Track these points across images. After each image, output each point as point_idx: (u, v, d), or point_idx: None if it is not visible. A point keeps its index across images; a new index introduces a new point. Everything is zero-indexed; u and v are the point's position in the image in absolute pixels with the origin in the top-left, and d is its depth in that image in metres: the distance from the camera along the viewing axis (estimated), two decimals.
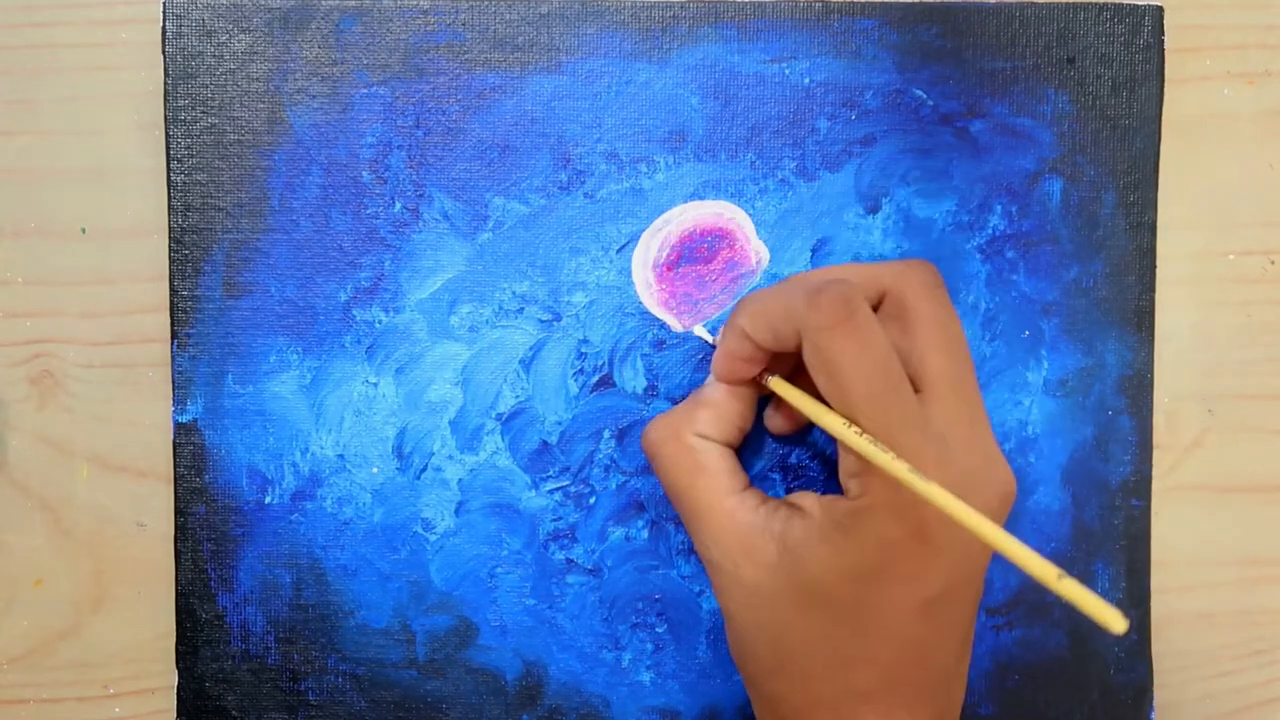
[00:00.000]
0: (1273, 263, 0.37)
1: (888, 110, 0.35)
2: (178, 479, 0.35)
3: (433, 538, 0.35)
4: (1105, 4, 0.36)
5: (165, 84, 0.35)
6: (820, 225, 0.36)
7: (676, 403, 0.35)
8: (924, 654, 0.30)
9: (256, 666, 0.35)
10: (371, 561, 0.35)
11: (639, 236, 0.35)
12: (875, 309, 0.31)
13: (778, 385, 0.31)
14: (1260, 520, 0.37)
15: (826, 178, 0.35)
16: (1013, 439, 0.36)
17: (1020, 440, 0.36)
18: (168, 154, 0.35)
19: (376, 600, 0.35)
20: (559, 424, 0.35)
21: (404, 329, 0.35)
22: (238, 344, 0.35)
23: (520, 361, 0.35)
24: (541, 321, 0.35)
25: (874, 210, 0.36)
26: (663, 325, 0.35)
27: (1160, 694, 0.37)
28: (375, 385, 0.35)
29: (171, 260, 0.35)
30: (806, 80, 0.35)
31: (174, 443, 0.35)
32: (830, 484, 0.35)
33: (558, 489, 0.35)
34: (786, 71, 0.35)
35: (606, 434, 0.35)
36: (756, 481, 0.35)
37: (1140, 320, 0.36)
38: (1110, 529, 0.36)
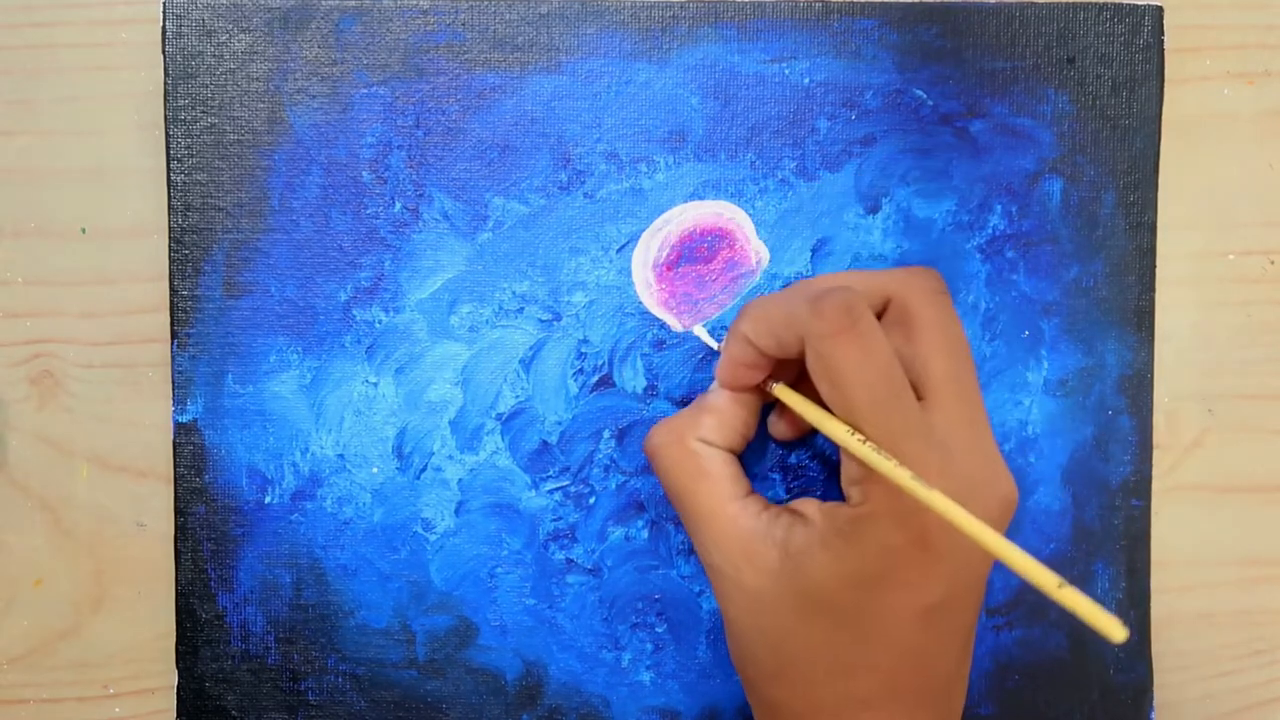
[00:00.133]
0: (1273, 263, 0.37)
1: (888, 110, 0.35)
2: (178, 479, 0.35)
3: (433, 538, 0.35)
4: (1105, 4, 0.36)
5: (165, 84, 0.35)
6: (820, 225, 0.36)
7: (676, 403, 0.35)
8: (925, 661, 0.30)
9: (256, 666, 0.35)
10: (371, 561, 0.35)
11: (639, 236, 0.35)
12: (879, 316, 0.31)
13: (782, 392, 0.31)
14: (1260, 520, 0.37)
15: (826, 178, 0.35)
16: (1013, 439, 0.36)
17: (1020, 440, 0.36)
18: (168, 154, 0.35)
19: (376, 600, 0.35)
20: (559, 424, 0.35)
21: (404, 329, 0.35)
22: (238, 344, 0.35)
23: (520, 361, 0.35)
24: (541, 321, 0.35)
25: (874, 210, 0.36)
26: (663, 325, 0.35)
27: (1160, 694, 0.37)
28: (375, 385, 0.35)
29: (171, 260, 0.35)
30: (806, 80, 0.35)
31: (174, 443, 0.35)
32: (830, 484, 0.35)
33: (558, 489, 0.35)
34: (786, 71, 0.35)
35: (606, 434, 0.35)
36: (756, 481, 0.35)
37: (1140, 320, 0.36)
38: (1110, 529, 0.36)
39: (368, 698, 0.35)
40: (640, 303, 0.35)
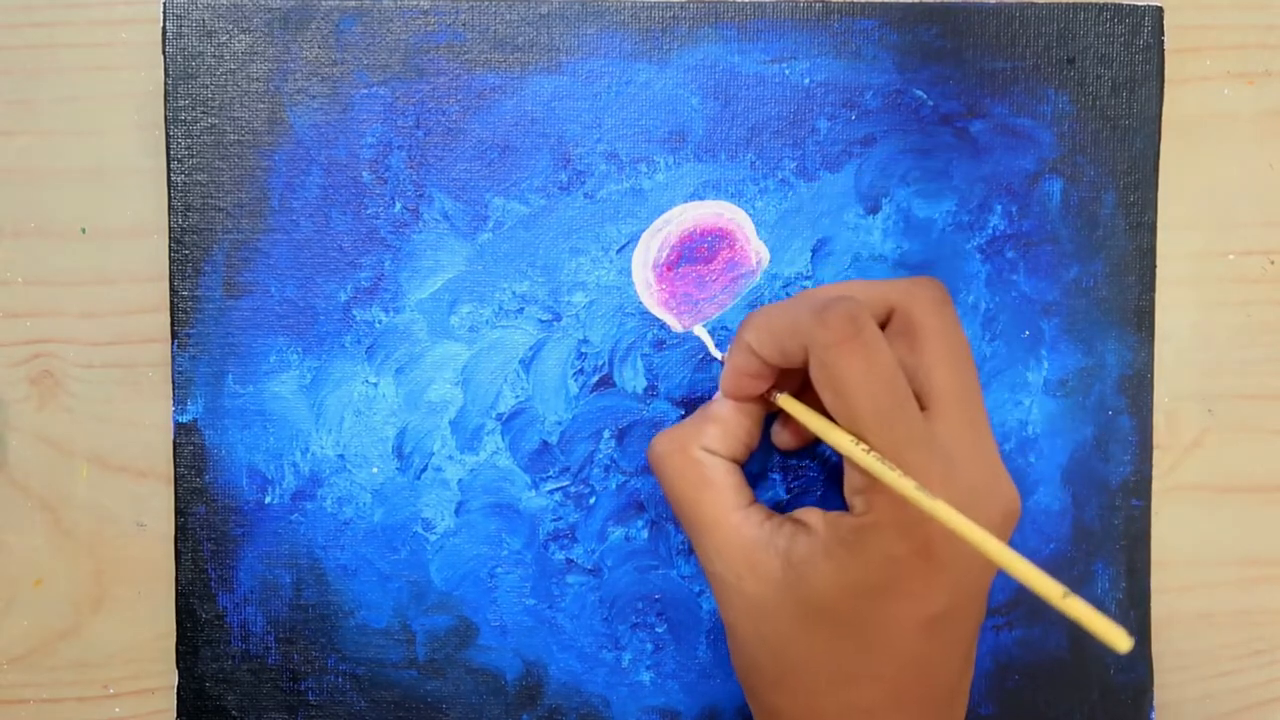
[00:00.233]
0: (1273, 263, 0.37)
1: (888, 110, 0.35)
2: (178, 479, 0.35)
3: (433, 538, 0.35)
4: (1105, 4, 0.36)
5: (165, 84, 0.35)
6: (820, 225, 0.36)
7: (676, 403, 0.35)
8: (927, 670, 0.30)
9: (256, 666, 0.35)
10: (371, 561, 0.35)
11: (639, 236, 0.35)
12: (883, 326, 0.31)
13: (786, 402, 0.31)
14: (1260, 520, 0.37)
15: (826, 178, 0.35)
16: (1013, 439, 0.36)
17: (1020, 440, 0.36)
18: (168, 154, 0.35)
19: (376, 600, 0.35)
20: (559, 424, 0.35)
21: (404, 329, 0.35)
22: (238, 344, 0.35)
23: (520, 361, 0.35)
24: (541, 321, 0.35)
25: (874, 210, 0.36)
26: (663, 325, 0.35)
27: (1160, 694, 0.37)
28: (375, 385, 0.35)
29: (171, 260, 0.35)
30: (806, 80, 0.35)
31: (174, 443, 0.35)
32: (829, 485, 0.35)
33: (558, 489, 0.35)
34: (786, 71, 0.35)
35: (606, 434, 0.35)
36: (756, 482, 0.35)
37: (1140, 320, 0.36)
38: (1110, 529, 0.36)
39: (368, 698, 0.35)
40: (640, 303, 0.35)
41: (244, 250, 0.35)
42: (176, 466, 0.35)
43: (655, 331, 0.35)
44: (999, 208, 0.36)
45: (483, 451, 0.35)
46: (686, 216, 0.35)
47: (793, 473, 0.35)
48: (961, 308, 0.36)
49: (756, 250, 0.35)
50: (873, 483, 0.28)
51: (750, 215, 0.35)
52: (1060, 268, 0.36)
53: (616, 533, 0.35)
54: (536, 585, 0.35)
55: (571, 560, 0.35)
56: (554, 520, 0.35)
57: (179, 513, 0.35)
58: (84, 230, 0.36)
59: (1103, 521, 0.36)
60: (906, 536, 0.28)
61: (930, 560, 0.28)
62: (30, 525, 0.36)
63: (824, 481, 0.35)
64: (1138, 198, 0.36)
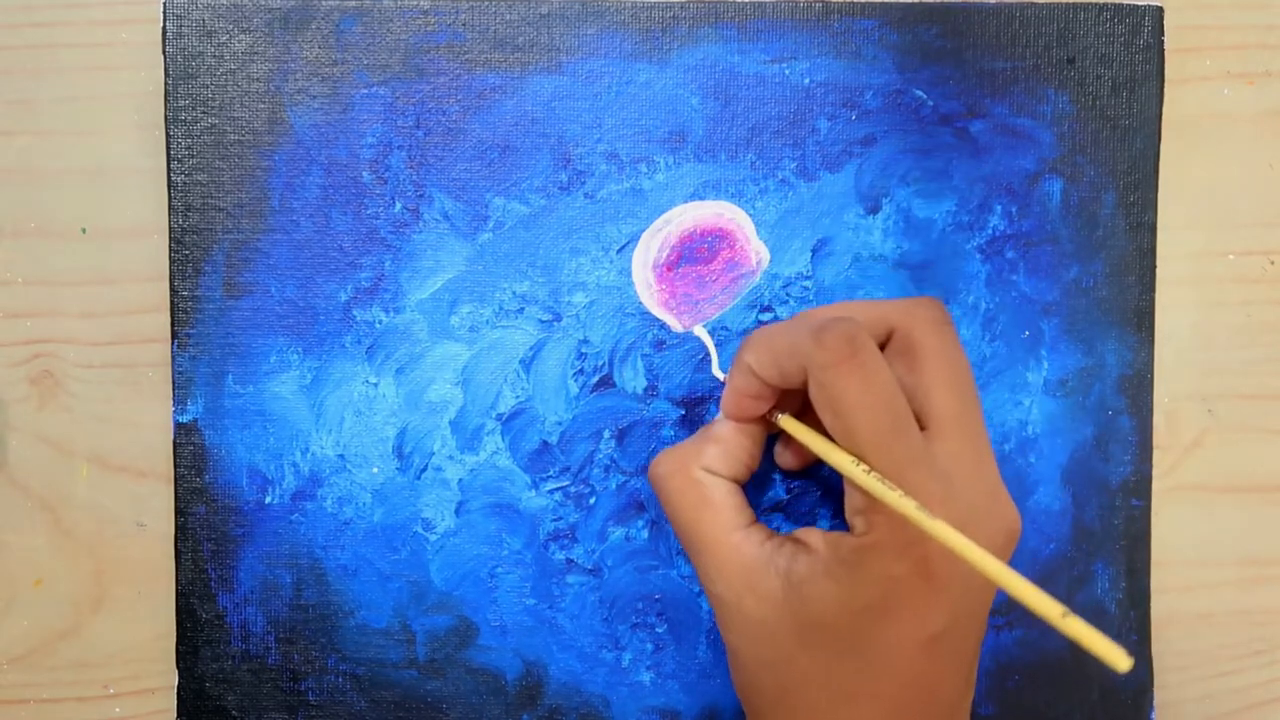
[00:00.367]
0: (1273, 263, 0.37)
1: (888, 110, 0.35)
2: (178, 479, 0.35)
3: (433, 538, 0.35)
4: (1105, 4, 0.36)
5: (165, 84, 0.35)
6: (820, 225, 0.36)
7: (676, 403, 0.35)
8: (928, 690, 0.30)
9: (256, 666, 0.35)
10: (371, 561, 0.35)
11: (639, 236, 0.35)
12: (883, 346, 0.31)
13: (787, 423, 0.32)
14: (1260, 520, 0.37)
15: (827, 178, 0.35)
16: (1013, 439, 0.36)
17: (1020, 440, 0.36)
18: (168, 154, 0.35)
19: (376, 600, 0.35)
20: (559, 424, 0.35)
21: (404, 329, 0.35)
22: (238, 344, 0.35)
23: (520, 361, 0.35)
24: (541, 321, 0.35)
25: (874, 210, 0.36)
26: (663, 325, 0.35)
27: (1160, 694, 0.37)
28: (375, 385, 0.35)
29: (171, 260, 0.35)
30: (806, 80, 0.35)
31: (174, 443, 0.35)
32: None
33: (558, 489, 0.35)
34: (786, 71, 0.35)
35: (606, 434, 0.35)
36: (758, 484, 0.35)
37: (1140, 320, 0.36)
38: (1110, 529, 0.36)
39: (368, 698, 0.35)
40: (640, 303, 0.35)
41: (244, 250, 0.35)
42: (176, 466, 0.35)
43: (655, 331, 0.35)
44: (999, 208, 0.36)
45: (483, 451, 0.35)
46: (686, 216, 0.35)
47: (793, 476, 0.35)
48: (961, 308, 0.36)
49: (756, 250, 0.35)
50: (873, 503, 0.28)
51: (750, 215, 0.35)
52: (1060, 268, 0.36)
53: (616, 533, 0.35)
54: (536, 585, 0.35)
55: (571, 560, 0.35)
56: (554, 520, 0.35)
57: (179, 513, 0.35)
58: (84, 230, 0.36)
59: (1103, 521, 0.36)
60: (906, 556, 0.28)
61: (930, 580, 0.28)
62: (30, 525, 0.36)
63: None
64: (1138, 198, 0.36)
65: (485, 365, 0.35)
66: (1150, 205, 0.36)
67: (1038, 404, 0.36)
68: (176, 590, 0.35)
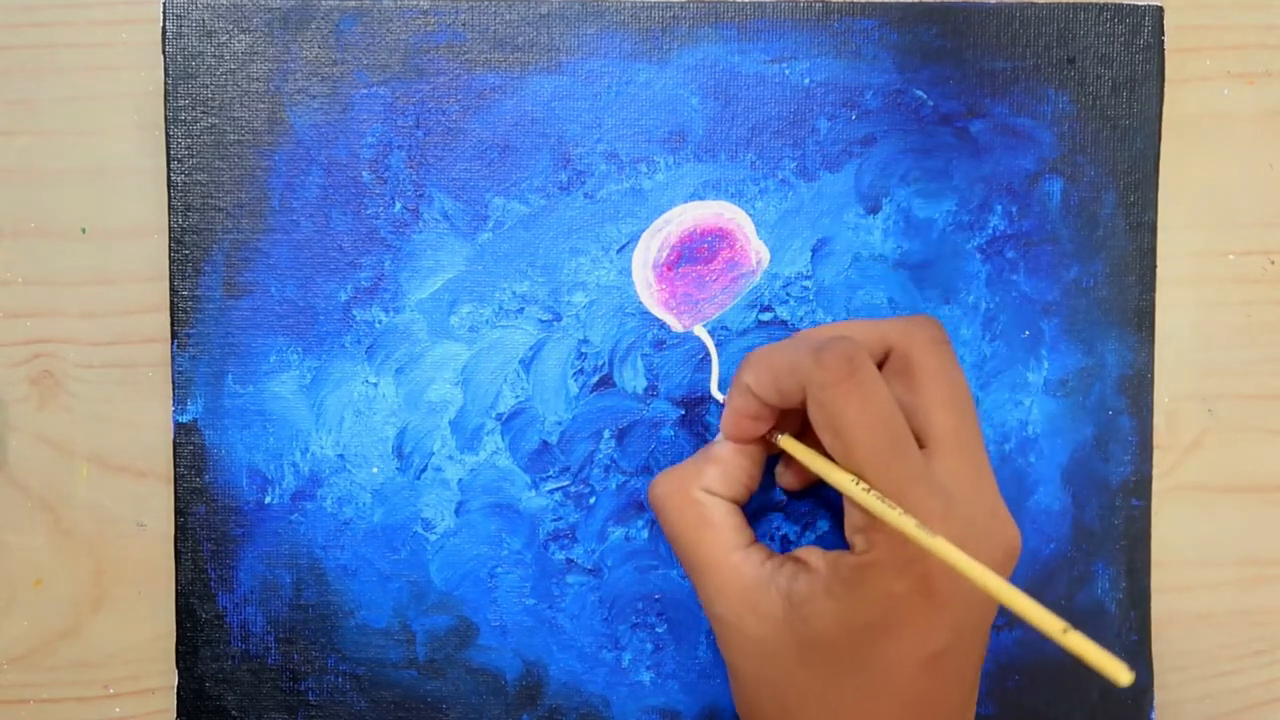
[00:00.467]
0: (1273, 263, 0.37)
1: (888, 110, 0.35)
2: (178, 479, 0.35)
3: (433, 538, 0.35)
4: (1105, 4, 0.36)
5: (165, 84, 0.35)
6: (820, 225, 0.36)
7: (676, 403, 0.35)
8: (929, 708, 0.30)
9: (256, 666, 0.35)
10: (371, 561, 0.35)
11: (639, 236, 0.35)
12: (880, 365, 0.31)
13: (787, 443, 0.32)
14: (1260, 520, 0.37)
15: (826, 178, 0.35)
16: (1013, 439, 0.36)
17: (1020, 440, 0.36)
18: (168, 154, 0.35)
19: (376, 600, 0.35)
20: (559, 424, 0.35)
21: (404, 329, 0.35)
22: (238, 344, 0.35)
23: (520, 361, 0.35)
24: (541, 321, 0.35)
25: (874, 210, 0.36)
26: (663, 325, 0.35)
27: (1160, 694, 0.37)
28: (375, 385, 0.35)
29: (171, 260, 0.35)
30: (806, 80, 0.35)
31: (174, 443, 0.35)
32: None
33: (558, 489, 0.35)
34: (786, 71, 0.35)
35: (606, 434, 0.35)
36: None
37: (1140, 320, 0.36)
38: (1110, 529, 0.36)
39: (368, 698, 0.35)
40: (640, 303, 0.35)
41: (244, 250, 0.35)
42: (176, 466, 0.35)
43: (655, 331, 0.35)
44: (999, 208, 0.36)
45: (483, 451, 0.35)
46: (686, 216, 0.35)
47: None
48: (961, 308, 0.36)
49: (756, 250, 0.35)
50: (873, 521, 0.28)
51: (750, 215, 0.35)
52: (1060, 268, 0.36)
53: (616, 533, 0.35)
54: (536, 585, 0.35)
55: (571, 560, 0.35)
56: (554, 520, 0.35)
57: (179, 513, 0.35)
58: (84, 230, 0.36)
59: (1103, 521, 0.36)
60: (907, 574, 0.28)
61: (931, 598, 0.29)
62: (30, 525, 0.36)
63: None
64: (1138, 198, 0.36)
65: (485, 365, 0.35)
66: (1150, 205, 0.36)
67: (1038, 404, 0.36)
68: (176, 590, 0.35)
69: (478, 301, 0.35)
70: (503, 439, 0.35)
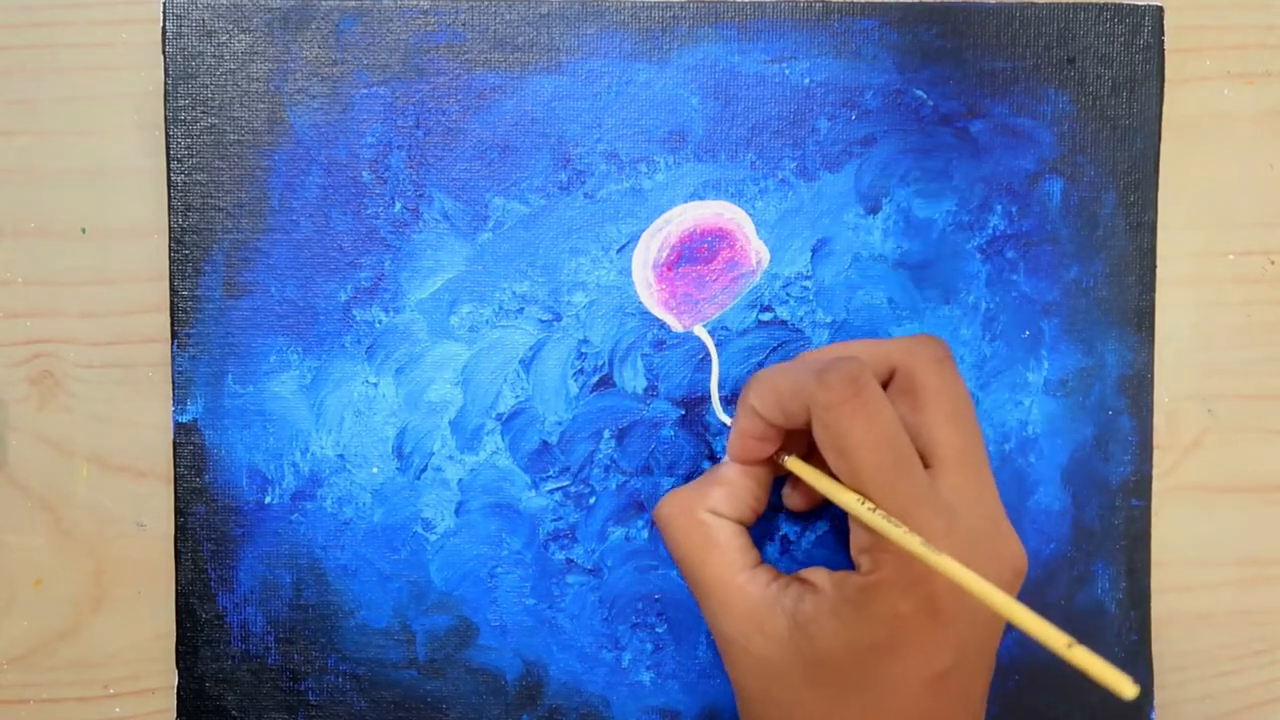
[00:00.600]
0: (1273, 263, 0.37)
1: (888, 110, 0.35)
2: (178, 479, 0.35)
3: (433, 538, 0.35)
4: (1105, 4, 0.36)
5: (165, 84, 0.35)
6: (820, 225, 0.36)
7: (676, 403, 0.35)
8: None
9: (256, 666, 0.35)
10: (371, 561, 0.35)
11: (639, 236, 0.35)
12: (885, 385, 0.31)
13: (794, 464, 0.32)
14: (1260, 520, 0.37)
15: (826, 178, 0.35)
16: (1013, 439, 0.36)
17: (1020, 440, 0.36)
18: (168, 154, 0.35)
19: (376, 600, 0.35)
20: (559, 424, 0.35)
21: (404, 329, 0.35)
22: (238, 344, 0.35)
23: (520, 361, 0.35)
24: (541, 321, 0.35)
25: (874, 210, 0.36)
26: (663, 325, 0.35)
27: (1160, 694, 0.37)
28: (375, 385, 0.35)
29: (171, 260, 0.35)
30: (806, 80, 0.35)
31: (174, 443, 0.35)
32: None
33: (558, 489, 0.35)
34: (786, 71, 0.35)
35: (606, 434, 0.35)
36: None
37: (1140, 320, 0.36)
38: (1110, 529, 0.36)
39: (368, 698, 0.35)
40: (640, 303, 0.35)
41: (244, 250, 0.35)
42: (176, 466, 0.35)
43: (655, 331, 0.35)
44: (999, 208, 0.36)
45: (483, 451, 0.35)
46: (686, 216, 0.35)
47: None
48: (961, 308, 0.36)
49: (756, 250, 0.35)
50: (878, 541, 0.29)
51: (750, 215, 0.35)
52: (1060, 268, 0.36)
53: (616, 533, 0.35)
54: (536, 585, 0.35)
55: (571, 560, 0.35)
56: (554, 520, 0.35)
57: (179, 513, 0.35)
58: (84, 230, 0.36)
59: (1103, 521, 0.36)
60: (913, 594, 0.28)
61: (936, 618, 0.29)
62: (30, 525, 0.36)
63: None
64: (1138, 198, 0.36)
65: (485, 365, 0.35)
66: (1150, 205, 0.36)
67: (1038, 404, 0.36)
68: (176, 590, 0.35)
69: (478, 301, 0.35)
70: (503, 439, 0.35)
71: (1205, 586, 0.37)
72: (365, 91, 0.35)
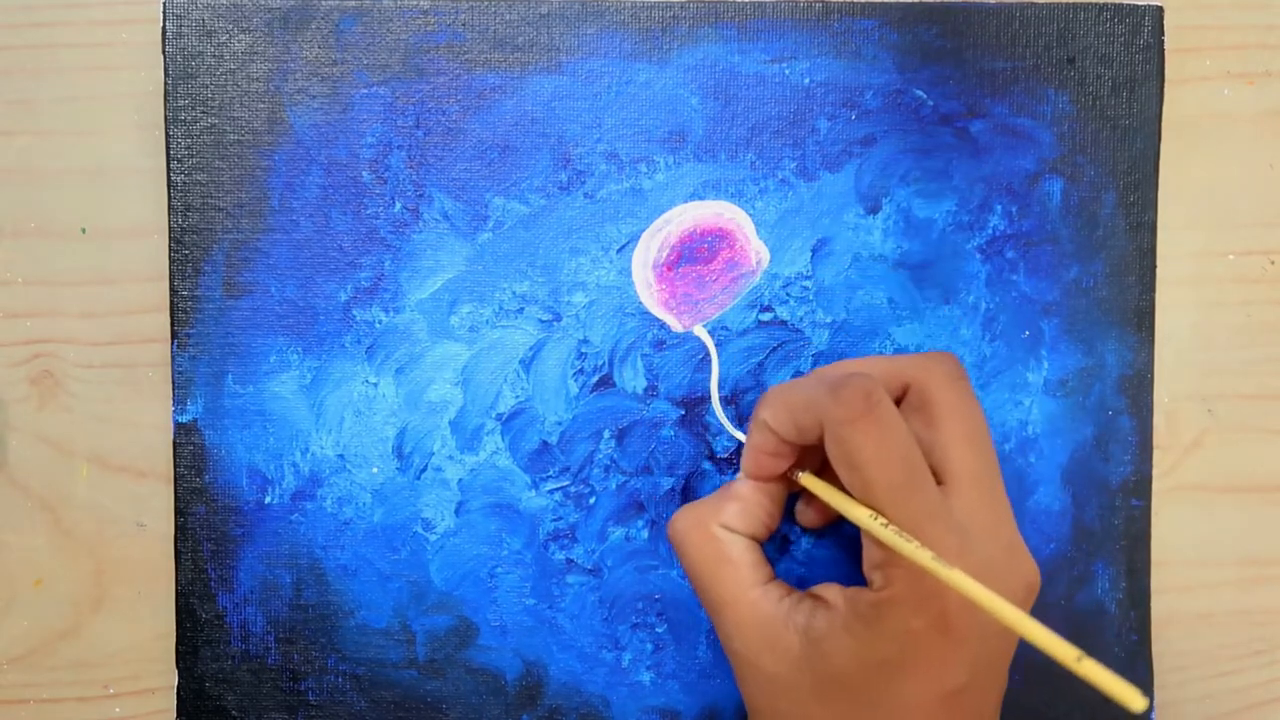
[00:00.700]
0: (1273, 263, 0.37)
1: (888, 110, 0.35)
2: (178, 479, 0.35)
3: (433, 538, 0.35)
4: (1105, 4, 0.36)
5: (165, 84, 0.35)
6: (820, 225, 0.36)
7: (676, 403, 0.35)
8: None
9: (256, 666, 0.35)
10: (371, 561, 0.35)
11: (639, 236, 0.35)
12: (898, 401, 0.31)
13: (808, 480, 0.32)
14: (1260, 520, 0.37)
15: (826, 178, 0.35)
16: (1013, 439, 0.36)
17: (1020, 440, 0.36)
18: (168, 154, 0.35)
19: (376, 600, 0.35)
20: (559, 424, 0.35)
21: (404, 329, 0.35)
22: (238, 344, 0.35)
23: (520, 361, 0.35)
24: (541, 321, 0.35)
25: (874, 210, 0.36)
26: (663, 325, 0.35)
27: (1160, 694, 0.37)
28: (375, 385, 0.35)
29: (171, 260, 0.35)
30: (806, 80, 0.35)
31: (174, 443, 0.35)
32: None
33: (558, 489, 0.35)
34: (786, 71, 0.35)
35: (606, 434, 0.35)
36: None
37: (1140, 320, 0.36)
38: (1110, 529, 0.36)
39: (368, 698, 0.35)
40: (640, 303, 0.35)
41: (244, 250, 0.35)
42: (176, 466, 0.35)
43: (655, 331, 0.35)
44: (999, 208, 0.36)
45: (483, 451, 0.35)
46: (686, 216, 0.35)
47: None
48: (961, 308, 0.36)
49: (756, 250, 0.35)
50: (891, 557, 0.29)
51: (750, 215, 0.35)
52: (1060, 268, 0.36)
53: (616, 533, 0.35)
54: (536, 585, 0.35)
55: (571, 560, 0.35)
56: (554, 520, 0.35)
57: (179, 513, 0.35)
58: (84, 230, 0.36)
59: (1103, 521, 0.36)
60: (925, 611, 0.28)
61: (948, 634, 0.29)
62: (30, 525, 0.36)
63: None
64: (1138, 198, 0.36)
65: (485, 365, 0.35)
66: (1150, 205, 0.36)
67: (1038, 404, 0.36)
68: (176, 590, 0.35)
69: (478, 301, 0.35)
70: (503, 439, 0.35)
71: (1205, 586, 0.37)
72: (365, 91, 0.35)
